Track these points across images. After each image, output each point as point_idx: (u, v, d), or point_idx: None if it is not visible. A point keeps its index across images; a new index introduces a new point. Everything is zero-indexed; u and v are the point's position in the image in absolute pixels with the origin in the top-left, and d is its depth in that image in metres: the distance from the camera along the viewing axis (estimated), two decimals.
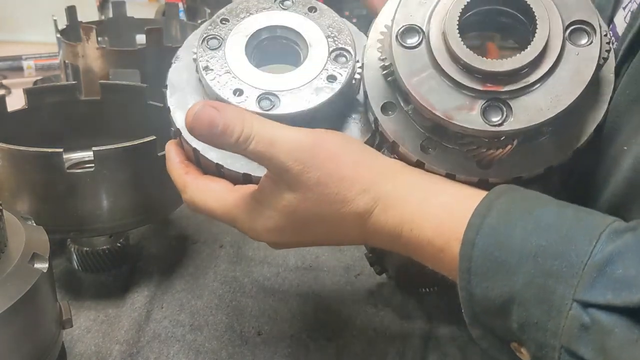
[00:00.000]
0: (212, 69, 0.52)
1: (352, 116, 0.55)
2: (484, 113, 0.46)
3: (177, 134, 0.55)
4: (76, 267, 0.81)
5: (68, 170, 0.68)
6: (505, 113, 0.46)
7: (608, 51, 0.48)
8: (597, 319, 0.36)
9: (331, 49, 0.53)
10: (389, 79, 0.51)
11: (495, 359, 0.44)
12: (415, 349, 0.70)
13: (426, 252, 0.46)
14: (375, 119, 0.52)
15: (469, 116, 0.46)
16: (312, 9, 0.55)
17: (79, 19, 1.18)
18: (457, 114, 0.46)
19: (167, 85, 0.56)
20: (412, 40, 0.48)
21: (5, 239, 0.53)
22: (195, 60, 0.53)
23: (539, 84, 0.46)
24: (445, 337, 0.73)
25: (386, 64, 0.50)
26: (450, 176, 0.50)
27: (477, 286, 0.41)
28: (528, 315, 0.39)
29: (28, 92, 0.85)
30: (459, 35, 0.47)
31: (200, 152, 0.52)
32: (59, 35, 1.10)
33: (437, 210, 0.46)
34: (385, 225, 0.47)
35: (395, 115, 0.52)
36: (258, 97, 0.50)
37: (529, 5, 0.47)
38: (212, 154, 0.52)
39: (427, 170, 0.51)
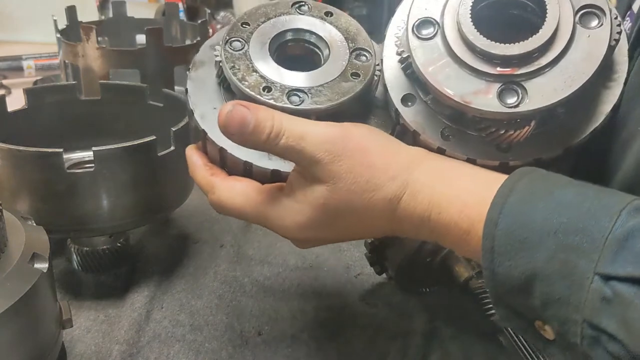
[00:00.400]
0: (238, 69, 0.53)
1: (371, 113, 0.57)
2: (500, 96, 0.48)
3: (201, 136, 0.55)
4: (76, 267, 0.81)
5: (68, 170, 0.68)
6: (520, 95, 0.47)
7: (619, 33, 0.49)
8: (619, 291, 0.37)
9: (352, 49, 0.55)
10: (407, 71, 0.54)
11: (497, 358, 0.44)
12: (415, 348, 0.70)
13: (453, 235, 0.47)
14: (396, 111, 0.54)
15: (486, 100, 0.48)
16: (328, 14, 0.57)
17: (79, 19, 1.18)
18: (475, 98, 0.48)
19: (187, 90, 0.57)
20: (428, 32, 0.51)
21: (5, 239, 0.53)
22: (218, 62, 0.54)
23: (552, 66, 0.48)
24: (446, 336, 0.73)
25: (404, 56, 0.52)
26: (471, 161, 0.51)
27: (500, 265, 0.42)
28: (550, 291, 0.40)
29: (28, 92, 0.85)
30: (472, 22, 0.49)
31: (228, 150, 0.53)
32: (59, 35, 1.10)
33: (462, 193, 0.47)
34: (415, 210, 0.48)
35: (415, 106, 0.54)
36: (287, 93, 0.52)
37: None
38: (240, 152, 0.53)
39: (449, 157, 0.52)
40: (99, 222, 0.71)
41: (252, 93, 0.51)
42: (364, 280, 0.83)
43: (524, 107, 0.47)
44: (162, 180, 0.75)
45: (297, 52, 0.57)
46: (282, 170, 0.53)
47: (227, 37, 0.54)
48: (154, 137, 0.71)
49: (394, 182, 0.48)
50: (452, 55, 0.50)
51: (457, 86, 0.49)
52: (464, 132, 0.52)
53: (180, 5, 1.50)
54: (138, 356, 0.67)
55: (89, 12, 1.60)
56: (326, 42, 0.55)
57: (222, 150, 0.53)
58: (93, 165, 0.68)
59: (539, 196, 0.42)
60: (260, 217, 0.52)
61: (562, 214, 0.40)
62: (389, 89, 0.55)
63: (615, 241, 0.38)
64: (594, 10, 0.48)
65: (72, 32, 1.14)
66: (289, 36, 0.56)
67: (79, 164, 0.85)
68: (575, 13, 0.48)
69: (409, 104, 0.54)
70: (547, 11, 0.48)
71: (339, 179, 0.48)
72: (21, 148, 0.66)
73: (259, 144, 0.48)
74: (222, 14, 2.27)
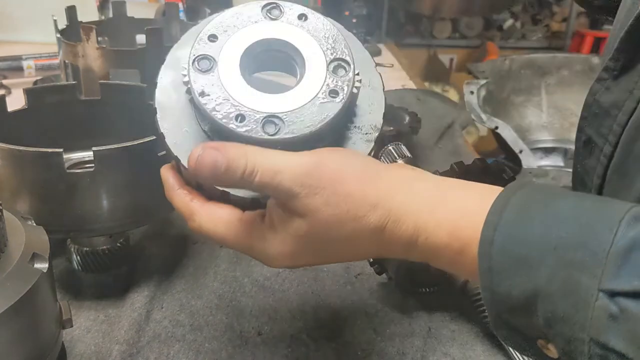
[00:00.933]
0: (208, 94, 0.49)
1: (353, 124, 0.54)
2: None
3: (176, 160, 0.52)
4: (76, 267, 0.81)
5: (68, 170, 0.68)
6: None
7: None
8: (625, 307, 0.36)
9: (329, 61, 0.51)
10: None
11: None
12: (415, 349, 0.70)
13: (444, 257, 0.46)
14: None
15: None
16: (301, 17, 0.53)
17: (79, 19, 1.18)
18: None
19: (156, 109, 0.53)
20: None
21: (5, 239, 0.53)
22: (187, 83, 0.50)
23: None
24: (445, 337, 0.73)
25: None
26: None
27: (499, 284, 0.41)
28: (554, 309, 0.39)
29: (28, 92, 0.85)
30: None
31: None
32: (59, 35, 1.10)
33: (451, 215, 0.45)
34: (400, 237, 0.47)
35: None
36: (262, 121, 0.49)
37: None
38: None
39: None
40: (99, 223, 0.71)
41: (226, 126, 0.49)
42: (364, 280, 0.83)
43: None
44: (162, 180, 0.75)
45: (271, 62, 0.54)
46: (261, 199, 0.51)
47: (194, 55, 0.50)
48: (154, 137, 0.71)
49: (376, 210, 0.47)
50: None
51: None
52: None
53: (180, 5, 1.50)
54: (138, 356, 0.67)
55: (89, 12, 1.60)
56: (302, 55, 0.52)
57: (196, 183, 0.52)
58: (93, 165, 0.68)
59: (534, 210, 0.41)
60: (243, 247, 0.51)
61: (560, 229, 0.39)
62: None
63: (617, 255, 0.37)
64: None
65: (72, 32, 1.13)
66: (260, 49, 0.52)
67: (79, 164, 0.85)
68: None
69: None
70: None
71: (317, 212, 0.47)
72: (21, 148, 0.66)
73: (234, 183, 0.47)
74: None
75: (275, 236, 0.49)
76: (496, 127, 1.44)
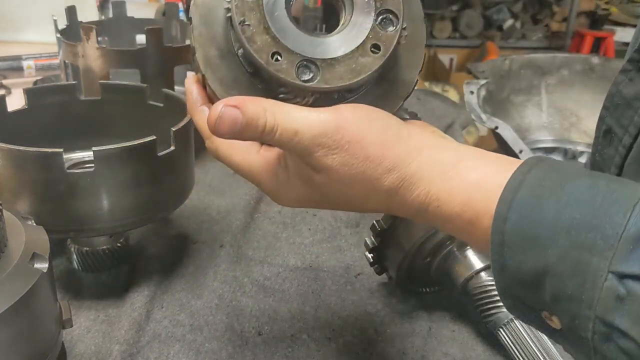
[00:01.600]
0: (248, 24, 0.47)
1: (388, 78, 0.52)
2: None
3: (203, 78, 0.50)
4: (76, 267, 0.81)
5: (68, 170, 0.68)
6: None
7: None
8: (632, 289, 0.37)
9: (377, 11, 0.49)
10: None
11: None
12: (415, 349, 0.70)
13: (454, 226, 0.47)
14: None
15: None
16: None
17: (79, 19, 1.18)
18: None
19: (191, 19, 0.50)
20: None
21: (5, 239, 0.53)
22: (229, 4, 0.48)
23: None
24: (445, 337, 0.73)
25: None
26: None
27: (510, 259, 0.42)
28: (562, 287, 0.40)
29: (28, 92, 0.85)
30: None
31: None
32: (59, 35, 1.10)
33: (465, 186, 0.46)
34: (412, 202, 0.48)
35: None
36: (297, 64, 0.47)
37: None
38: None
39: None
40: (99, 222, 0.71)
41: (260, 60, 0.47)
42: (364, 281, 0.83)
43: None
44: (162, 180, 0.75)
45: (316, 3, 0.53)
46: None
47: None
48: (154, 137, 0.71)
49: (391, 174, 0.47)
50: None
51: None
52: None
53: (180, 5, 1.50)
54: (138, 356, 0.67)
55: (89, 12, 1.60)
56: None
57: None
58: (93, 165, 0.68)
59: (549, 190, 0.42)
60: (253, 180, 0.52)
61: (574, 210, 0.40)
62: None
63: (629, 239, 0.38)
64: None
65: (72, 32, 1.14)
66: None
67: (79, 164, 0.85)
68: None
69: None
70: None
71: (333, 171, 0.47)
72: (21, 148, 0.66)
73: (253, 139, 0.48)
74: None
75: (289, 179, 0.50)
76: (496, 127, 1.44)
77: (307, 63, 0.47)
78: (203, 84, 0.52)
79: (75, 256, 0.81)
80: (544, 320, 0.43)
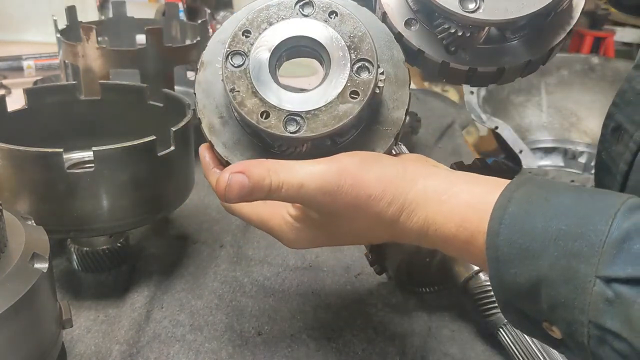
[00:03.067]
0: (238, 91, 0.53)
1: (375, 119, 0.56)
2: (462, 1, 0.53)
3: (210, 144, 0.56)
4: (76, 267, 0.81)
5: (68, 170, 0.68)
6: (478, 4, 0.53)
7: None
8: (620, 292, 0.39)
9: (353, 61, 0.53)
10: None
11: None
12: (415, 349, 0.70)
13: (453, 246, 0.50)
14: None
15: (450, 0, 0.53)
16: (332, 14, 0.55)
17: (79, 19, 1.18)
18: None
19: (195, 94, 0.57)
20: None
21: (5, 239, 0.53)
22: (221, 76, 0.54)
23: None
24: (445, 337, 0.73)
25: None
26: (420, 52, 0.58)
27: (505, 273, 0.44)
28: (556, 295, 0.42)
29: (28, 92, 0.85)
30: None
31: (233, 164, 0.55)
32: (59, 35, 1.10)
33: (458, 208, 0.49)
34: (412, 228, 0.51)
35: None
36: (284, 119, 0.52)
37: None
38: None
39: (403, 42, 0.58)
40: (99, 222, 0.71)
41: (251, 120, 0.52)
42: (364, 280, 0.83)
43: (478, 16, 0.53)
44: (162, 180, 0.75)
45: (300, 53, 0.57)
46: None
47: (229, 50, 0.53)
48: (154, 137, 0.71)
49: (391, 206, 0.51)
50: None
51: None
52: (423, 27, 0.58)
53: (180, 5, 1.50)
54: (138, 356, 0.67)
55: (89, 12, 1.60)
56: (327, 51, 0.54)
57: (227, 162, 0.55)
58: (93, 165, 0.68)
59: (536, 204, 0.44)
60: (264, 228, 0.57)
61: (560, 221, 0.43)
62: None
63: (612, 244, 0.40)
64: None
65: (72, 32, 1.14)
66: (290, 45, 0.55)
67: (79, 164, 0.85)
68: None
69: None
70: None
71: (338, 213, 0.51)
72: (21, 148, 0.66)
73: (261, 199, 0.51)
74: (222, 13, 2.27)
75: (294, 223, 0.55)
76: (496, 127, 1.44)
77: (293, 116, 0.52)
78: (213, 148, 0.57)
79: (75, 256, 0.81)
80: (545, 331, 0.44)
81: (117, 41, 1.28)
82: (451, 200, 0.49)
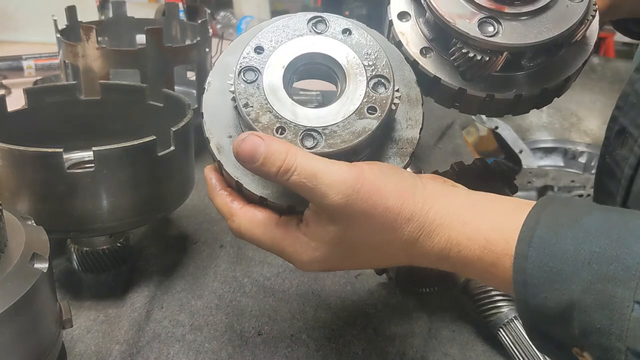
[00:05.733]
0: (252, 106, 0.51)
1: (390, 138, 0.55)
2: (480, 25, 0.55)
3: (219, 164, 0.54)
4: (76, 267, 0.81)
5: (68, 170, 0.68)
6: (497, 29, 0.55)
7: (594, 13, 0.57)
8: None
9: (369, 77, 0.52)
10: None
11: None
12: (415, 349, 0.70)
13: (475, 269, 0.48)
14: (390, 22, 0.60)
15: (468, 24, 0.55)
16: (346, 31, 0.54)
17: (79, 19, 1.18)
18: (459, 20, 0.55)
19: (203, 114, 0.55)
20: None
21: (5, 239, 0.53)
22: (233, 93, 0.52)
23: (529, 16, 0.55)
24: (445, 337, 0.73)
25: None
26: (436, 79, 0.59)
27: (534, 297, 0.43)
28: (590, 320, 0.40)
29: (28, 92, 0.85)
30: None
31: (244, 185, 0.53)
32: (59, 35, 1.10)
33: (483, 230, 0.47)
34: (432, 250, 0.49)
35: (407, 22, 0.60)
36: (301, 134, 0.50)
37: None
38: (255, 187, 0.53)
39: (418, 70, 0.58)
40: (99, 222, 0.71)
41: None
42: (364, 281, 0.83)
43: (497, 40, 0.54)
44: (162, 180, 0.75)
45: (314, 73, 0.56)
46: (297, 206, 0.53)
47: (241, 66, 0.52)
48: (154, 137, 0.71)
49: (410, 224, 0.48)
50: None
51: (448, 7, 0.56)
52: (439, 55, 0.59)
53: (180, 5, 1.50)
54: (138, 356, 0.67)
55: (89, 12, 1.60)
56: (343, 70, 0.53)
57: (237, 183, 0.53)
58: (93, 165, 0.68)
59: (565, 225, 0.43)
60: (277, 249, 0.53)
61: (592, 243, 0.41)
62: (391, 3, 0.61)
63: None
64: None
65: (72, 32, 1.14)
66: (304, 62, 0.54)
67: (79, 164, 0.85)
68: None
69: (404, 19, 0.61)
70: None
71: (353, 221, 0.48)
72: (21, 148, 0.66)
73: (270, 176, 0.48)
74: (222, 14, 2.27)
75: (309, 242, 0.51)
76: (496, 127, 1.44)
77: (310, 132, 0.51)
78: (220, 170, 0.55)
79: (75, 256, 0.81)
80: (575, 357, 0.43)
81: (117, 41, 1.28)
82: (475, 221, 0.48)
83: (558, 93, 0.62)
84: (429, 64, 0.59)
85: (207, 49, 1.18)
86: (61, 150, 0.67)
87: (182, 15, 1.41)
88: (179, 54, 1.09)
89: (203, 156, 1.08)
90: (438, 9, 0.56)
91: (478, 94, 0.58)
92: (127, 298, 0.76)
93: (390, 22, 0.61)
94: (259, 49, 0.53)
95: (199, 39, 1.15)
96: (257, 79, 0.52)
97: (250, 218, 0.53)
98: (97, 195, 0.70)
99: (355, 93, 0.52)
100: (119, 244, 0.82)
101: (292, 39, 0.54)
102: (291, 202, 0.52)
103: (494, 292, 0.69)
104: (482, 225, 0.47)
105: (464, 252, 0.47)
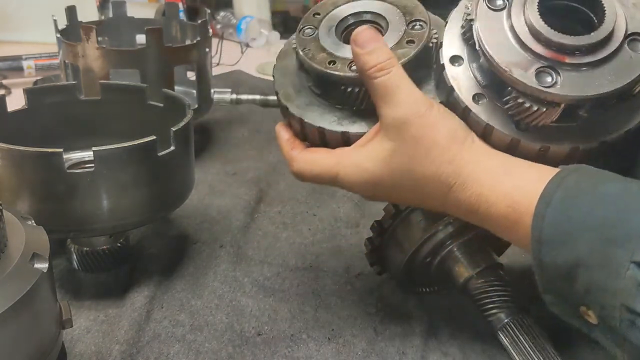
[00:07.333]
0: (309, 49, 0.63)
1: (427, 84, 0.62)
2: (537, 75, 0.53)
3: (284, 111, 0.65)
4: (76, 267, 0.82)
5: (68, 170, 0.68)
6: (555, 79, 0.53)
7: None
8: None
9: (408, 22, 0.62)
10: (466, 35, 0.58)
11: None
12: (415, 349, 0.70)
13: (501, 225, 0.53)
14: (442, 65, 0.60)
15: (524, 73, 0.53)
16: None
17: (79, 19, 1.18)
18: (515, 68, 0.54)
19: (273, 76, 0.67)
20: (498, 4, 0.57)
21: (5, 239, 0.53)
22: (294, 48, 0.65)
23: (590, 67, 0.53)
24: (445, 337, 0.73)
25: (468, 19, 0.57)
26: (490, 128, 0.57)
27: (546, 254, 0.47)
28: (592, 279, 0.44)
29: (28, 92, 0.85)
30: (537, 8, 0.54)
31: (305, 120, 0.63)
32: (59, 35, 1.10)
33: (511, 190, 0.52)
34: (464, 201, 0.54)
35: (460, 67, 0.59)
36: (348, 64, 0.60)
37: (602, 3, 0.54)
38: (314, 121, 0.63)
39: (469, 120, 0.58)
40: (99, 222, 0.71)
41: (320, 67, 0.61)
42: (364, 281, 0.83)
43: (555, 91, 0.52)
44: (162, 180, 0.75)
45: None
46: (350, 132, 0.61)
47: (301, 26, 0.65)
48: (154, 137, 0.71)
49: (449, 166, 0.54)
50: (510, 28, 0.55)
51: (504, 54, 0.55)
52: (492, 102, 0.57)
53: (180, 5, 1.50)
54: (138, 356, 0.67)
55: (89, 12, 1.60)
56: (385, 19, 0.63)
57: (301, 120, 0.63)
58: (93, 165, 0.68)
59: (583, 191, 0.46)
60: (332, 176, 0.60)
61: (605, 209, 0.45)
62: (443, 46, 0.60)
63: None
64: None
65: (72, 32, 1.14)
66: (351, 19, 0.65)
67: (79, 164, 0.85)
68: (626, 37, 0.54)
69: (456, 64, 0.59)
70: (605, 20, 0.53)
71: (403, 142, 0.55)
72: (21, 148, 0.66)
73: (366, 66, 0.56)
74: (222, 14, 2.26)
75: (360, 162, 0.58)
76: None
77: None
78: (288, 123, 0.66)
79: (75, 256, 0.81)
80: (582, 316, 0.46)
81: (117, 41, 1.28)
82: (506, 182, 0.52)
83: (618, 146, 0.57)
84: (481, 112, 0.57)
85: (207, 49, 1.18)
86: (61, 150, 0.67)
87: (182, 15, 1.41)
88: (179, 54, 1.09)
89: (203, 156, 1.08)
90: (494, 56, 0.54)
91: (532, 145, 0.56)
92: (127, 298, 0.76)
93: (442, 65, 0.59)
94: (316, 14, 0.66)
95: (199, 39, 1.15)
96: (314, 33, 0.65)
97: (307, 158, 0.62)
98: (97, 195, 0.70)
99: (396, 33, 0.62)
100: (119, 244, 0.82)
101: (345, 3, 0.66)
102: (345, 129, 0.61)
103: (494, 292, 0.69)
104: (511, 186, 0.52)
105: (492, 209, 0.52)
